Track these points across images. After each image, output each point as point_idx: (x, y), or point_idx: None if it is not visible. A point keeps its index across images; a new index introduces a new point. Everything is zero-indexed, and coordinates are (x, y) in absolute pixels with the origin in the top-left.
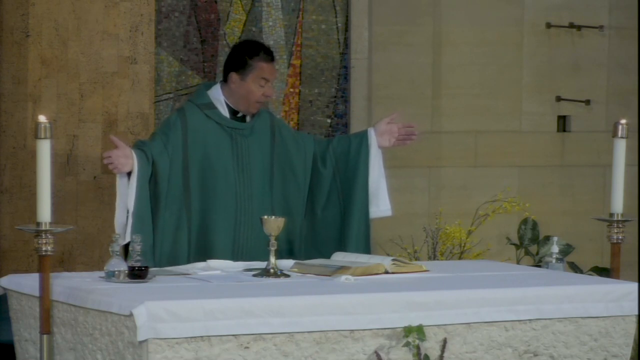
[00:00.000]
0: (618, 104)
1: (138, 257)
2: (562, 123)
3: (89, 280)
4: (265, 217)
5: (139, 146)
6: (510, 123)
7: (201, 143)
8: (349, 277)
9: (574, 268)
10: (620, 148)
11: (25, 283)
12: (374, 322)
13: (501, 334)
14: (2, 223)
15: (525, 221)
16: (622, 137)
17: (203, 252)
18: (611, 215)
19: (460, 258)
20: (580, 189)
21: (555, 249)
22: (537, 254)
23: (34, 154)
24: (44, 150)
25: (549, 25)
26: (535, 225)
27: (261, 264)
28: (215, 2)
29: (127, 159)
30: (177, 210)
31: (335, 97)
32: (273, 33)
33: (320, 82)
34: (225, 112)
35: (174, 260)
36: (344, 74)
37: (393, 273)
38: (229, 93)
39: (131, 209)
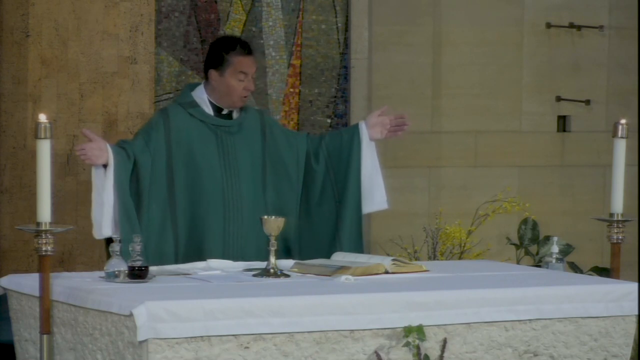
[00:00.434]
0: (618, 104)
1: (138, 257)
2: (562, 123)
3: (89, 280)
4: (265, 217)
5: (120, 145)
6: (510, 123)
7: (185, 141)
8: (349, 277)
9: (574, 268)
10: (620, 148)
11: (25, 283)
12: (374, 322)
13: (501, 334)
14: (2, 223)
15: (525, 221)
16: (622, 137)
17: (193, 250)
18: (611, 215)
19: (460, 258)
20: (580, 189)
21: (555, 249)
22: (537, 254)
23: (34, 154)
24: (44, 150)
25: (549, 25)
26: (535, 225)
27: (261, 264)
28: (215, 2)
29: (102, 152)
30: (161, 209)
31: (335, 97)
32: (273, 33)
33: (320, 82)
34: (209, 110)
35: (160, 258)
36: (344, 74)
37: (393, 273)
38: (211, 90)
39: (111, 203)
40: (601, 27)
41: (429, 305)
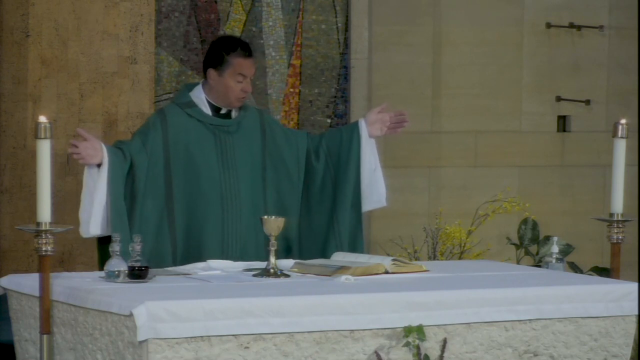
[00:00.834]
0: (618, 104)
1: (138, 257)
2: (562, 123)
3: (89, 280)
4: (265, 217)
5: (117, 145)
6: (510, 123)
7: (183, 141)
8: (349, 277)
9: (574, 268)
10: (620, 148)
11: (25, 283)
12: (374, 322)
13: (501, 334)
14: (2, 223)
15: (525, 221)
16: (622, 137)
17: (191, 251)
18: (611, 215)
19: (460, 258)
20: (580, 189)
21: (555, 249)
22: (537, 254)
23: (34, 154)
24: (44, 150)
25: (549, 25)
26: (535, 225)
27: (261, 264)
28: (215, 2)
29: (96, 152)
30: (158, 210)
31: (335, 97)
32: (273, 33)
33: (320, 82)
34: (207, 110)
35: (157, 259)
36: (344, 74)
37: (393, 273)
38: (209, 90)
39: (102, 202)
40: (601, 27)
41: (429, 305)
